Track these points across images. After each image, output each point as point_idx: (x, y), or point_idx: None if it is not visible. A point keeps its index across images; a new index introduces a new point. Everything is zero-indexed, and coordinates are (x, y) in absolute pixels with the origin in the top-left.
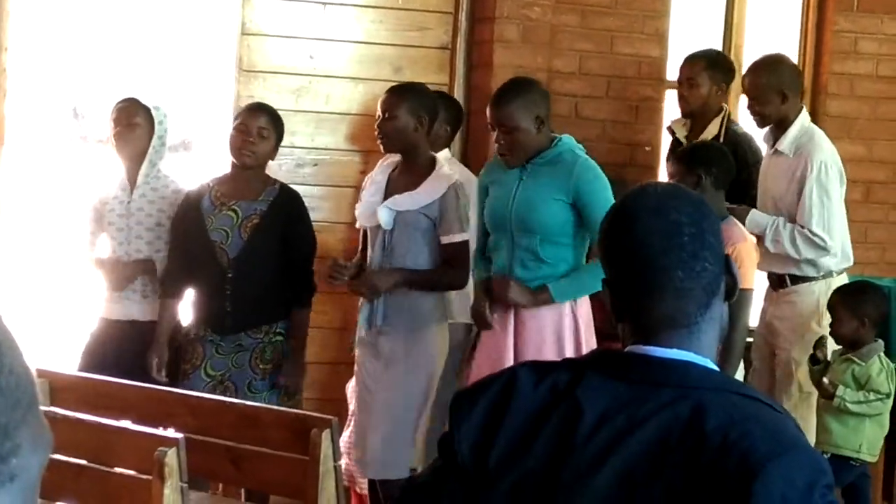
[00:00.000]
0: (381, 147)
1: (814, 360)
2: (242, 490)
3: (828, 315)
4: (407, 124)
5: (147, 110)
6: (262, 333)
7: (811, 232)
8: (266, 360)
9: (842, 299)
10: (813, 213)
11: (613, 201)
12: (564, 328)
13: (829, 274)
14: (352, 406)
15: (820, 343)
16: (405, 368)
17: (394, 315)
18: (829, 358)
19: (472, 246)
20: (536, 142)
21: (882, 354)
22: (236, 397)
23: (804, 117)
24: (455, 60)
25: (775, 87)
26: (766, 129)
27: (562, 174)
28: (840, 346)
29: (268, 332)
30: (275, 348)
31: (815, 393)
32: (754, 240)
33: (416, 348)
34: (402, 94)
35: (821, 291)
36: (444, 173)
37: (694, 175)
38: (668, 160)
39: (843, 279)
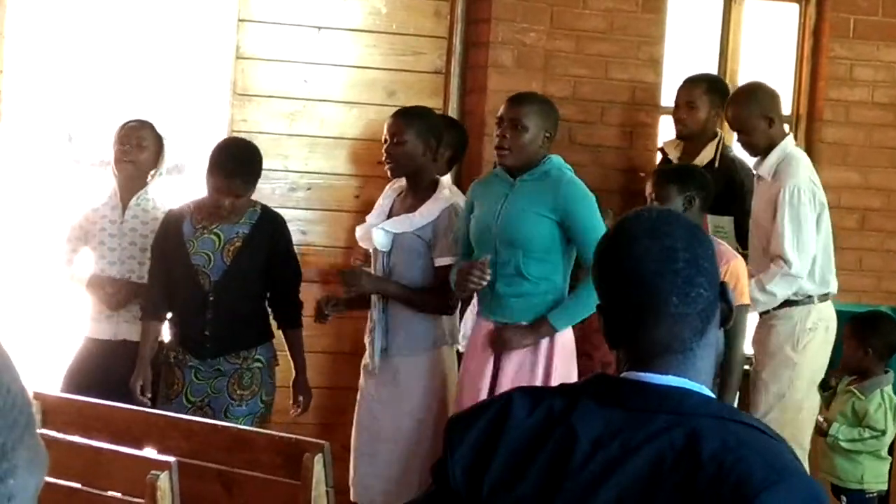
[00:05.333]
0: (388, 172)
1: (825, 385)
2: None
3: (803, 340)
4: (416, 149)
5: (157, 134)
6: (241, 359)
7: (778, 257)
8: (244, 385)
9: (852, 327)
10: (784, 238)
11: (600, 219)
12: (539, 355)
13: (808, 300)
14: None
15: (835, 371)
16: (414, 394)
17: (401, 341)
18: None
19: None
20: (536, 152)
21: (886, 389)
22: None
23: (786, 143)
24: (449, 85)
25: (758, 113)
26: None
27: (548, 191)
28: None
29: (246, 358)
30: (253, 374)
31: (786, 413)
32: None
33: (425, 373)
34: (410, 118)
35: (800, 317)
36: (444, 196)
37: (685, 196)
38: (652, 180)
39: (827, 307)
